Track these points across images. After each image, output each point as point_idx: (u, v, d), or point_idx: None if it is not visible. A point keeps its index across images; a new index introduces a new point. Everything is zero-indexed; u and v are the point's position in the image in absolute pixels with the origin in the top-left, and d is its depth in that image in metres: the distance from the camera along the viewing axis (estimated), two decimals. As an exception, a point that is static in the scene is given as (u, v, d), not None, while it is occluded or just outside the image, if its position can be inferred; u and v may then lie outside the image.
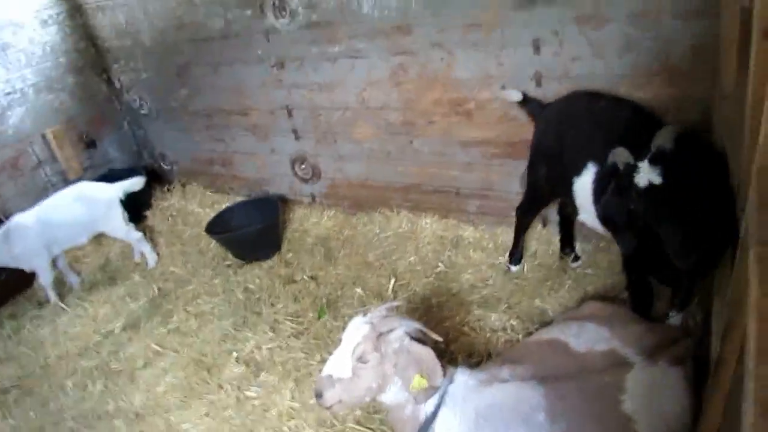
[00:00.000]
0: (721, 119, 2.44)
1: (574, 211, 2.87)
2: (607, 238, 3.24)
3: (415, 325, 2.13)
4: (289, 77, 4.20)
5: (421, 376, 2.02)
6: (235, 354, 3.22)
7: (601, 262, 3.34)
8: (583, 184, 2.64)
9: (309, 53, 3.98)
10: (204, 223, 4.50)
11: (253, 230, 4.07)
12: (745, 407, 0.89)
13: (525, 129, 3.33)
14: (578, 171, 2.65)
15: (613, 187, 2.19)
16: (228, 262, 4.19)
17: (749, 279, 1.09)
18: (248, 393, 2.96)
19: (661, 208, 2.03)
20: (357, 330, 2.08)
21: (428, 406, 2.08)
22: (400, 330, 2.08)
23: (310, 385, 2.91)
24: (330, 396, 2.05)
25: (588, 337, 2.27)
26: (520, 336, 2.89)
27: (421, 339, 2.10)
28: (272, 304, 3.58)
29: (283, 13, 3.87)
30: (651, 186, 2.02)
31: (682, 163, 2.01)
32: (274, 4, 3.86)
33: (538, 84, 3.24)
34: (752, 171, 1.39)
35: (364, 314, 2.16)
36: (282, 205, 4.57)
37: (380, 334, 2.07)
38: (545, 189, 3.08)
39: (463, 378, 2.11)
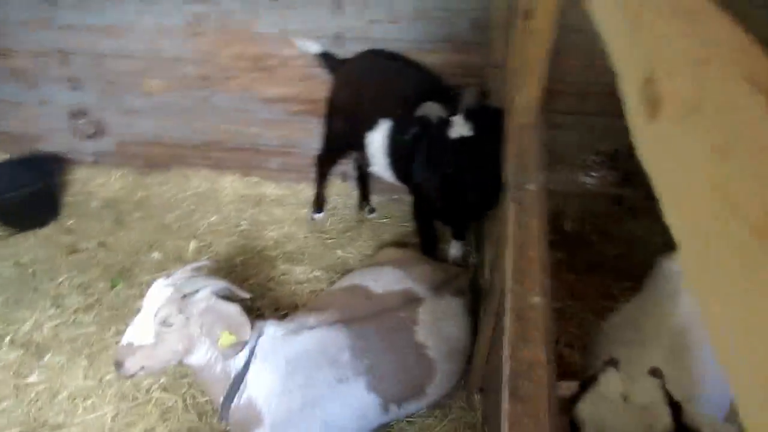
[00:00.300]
0: (494, 86, 2.81)
1: (366, 162, 3.07)
2: (399, 189, 3.56)
3: (222, 284, 2.13)
4: (62, 16, 3.67)
5: (229, 333, 2.04)
6: (8, 337, 2.84)
7: (394, 213, 3.64)
8: (376, 139, 2.85)
9: (88, -10, 3.53)
10: (-46, 189, 3.78)
11: (21, 194, 3.55)
12: (505, 320, 1.10)
13: (327, 87, 3.41)
14: (371, 126, 2.85)
15: (424, 154, 2.43)
16: (-10, 233, 3.62)
17: (506, 217, 1.33)
18: (29, 379, 2.65)
19: (470, 157, 2.32)
20: (159, 293, 2.01)
21: (238, 362, 2.12)
22: (206, 290, 2.07)
23: (106, 360, 2.72)
24: (131, 364, 1.98)
25: (386, 280, 2.50)
26: (325, 286, 3.05)
27: (228, 297, 2.11)
28: (52, 278, 3.21)
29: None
30: (462, 138, 2.30)
31: (485, 120, 2.31)
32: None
33: (341, 45, 3.33)
34: (512, 128, 1.66)
35: (167, 277, 2.09)
36: (59, 164, 4.05)
37: (184, 296, 2.04)
38: (341, 140, 3.23)
39: (271, 330, 2.18)
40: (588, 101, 3.15)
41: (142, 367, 2.00)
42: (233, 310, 2.06)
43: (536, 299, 1.02)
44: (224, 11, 3.40)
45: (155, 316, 1.99)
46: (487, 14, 3.02)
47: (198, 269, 2.20)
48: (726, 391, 1.72)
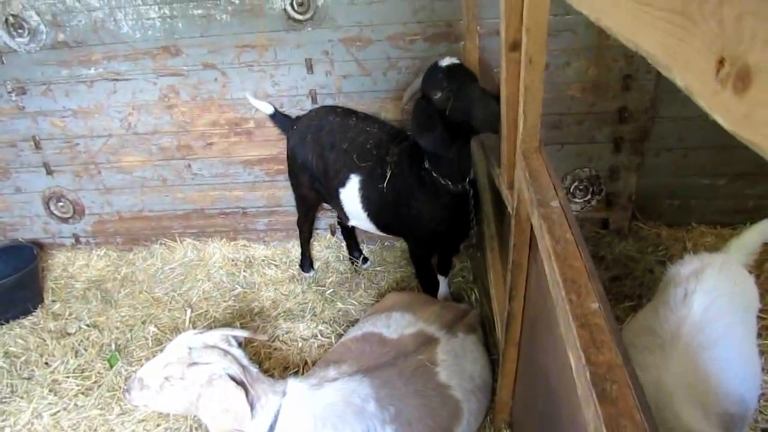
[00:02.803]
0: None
1: (345, 217, 3.11)
2: (389, 237, 3.60)
3: (236, 368, 2.05)
4: (32, 103, 3.67)
5: (226, 415, 1.98)
6: (8, 430, 2.69)
7: (387, 259, 3.66)
8: (349, 193, 2.90)
9: (58, 76, 3.55)
10: (-70, 286, 3.63)
11: (6, 283, 3.43)
12: (566, 333, 1.11)
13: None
14: (342, 183, 2.90)
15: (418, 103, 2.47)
16: (-27, 327, 3.46)
17: (539, 235, 1.37)
18: (33, 471, 2.51)
19: (462, 78, 2.38)
20: (178, 348, 2.00)
21: (262, 428, 2.04)
22: (216, 366, 2.02)
23: (114, 441, 2.59)
24: (136, 397, 2.04)
25: (397, 324, 2.49)
26: (332, 339, 3.00)
27: (237, 379, 2.04)
28: (47, 364, 3.07)
29: (21, 31, 3.38)
30: (452, 63, 2.38)
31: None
32: (7, 20, 3.35)
33: (314, 101, 3.43)
34: (518, 154, 1.73)
35: (199, 332, 2.06)
36: (38, 251, 3.94)
37: (193, 364, 2.00)
38: (311, 195, 3.29)
39: (295, 387, 2.13)
40: (562, 131, 3.29)
41: (146, 405, 2.05)
42: (237, 397, 1.98)
43: (594, 305, 1.04)
44: (196, 81, 3.46)
45: (163, 368, 1.97)
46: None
47: (228, 338, 2.14)
48: (747, 385, 1.77)
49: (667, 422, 1.49)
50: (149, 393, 2.02)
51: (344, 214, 3.04)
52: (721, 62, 0.58)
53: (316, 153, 3.01)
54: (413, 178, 2.64)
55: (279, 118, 3.31)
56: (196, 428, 2.60)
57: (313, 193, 3.23)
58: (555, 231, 1.27)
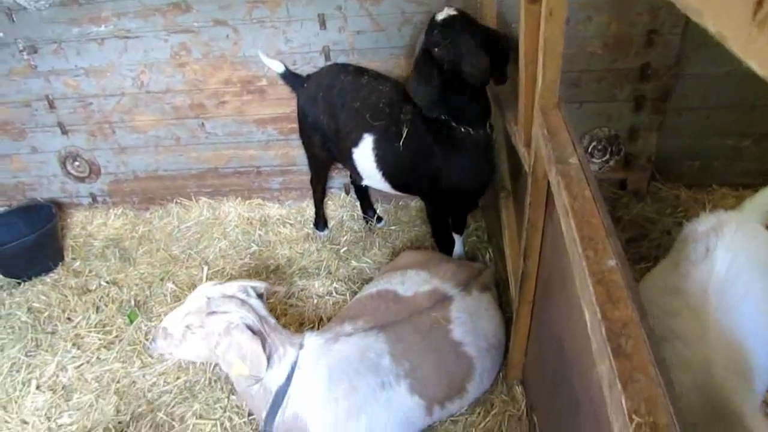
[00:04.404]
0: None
1: (358, 177, 3.09)
2: (404, 195, 3.58)
3: (253, 317, 2.08)
4: (45, 62, 3.66)
5: (242, 364, 2.02)
6: (34, 382, 2.78)
7: (402, 218, 3.66)
8: (362, 153, 2.87)
9: (68, 34, 3.52)
10: (-46, 245, 3.72)
11: (26, 242, 3.49)
12: (582, 290, 1.11)
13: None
14: (355, 142, 2.87)
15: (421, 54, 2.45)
16: (-2, 284, 3.56)
17: (556, 192, 1.35)
18: (62, 421, 2.60)
19: (456, 30, 2.35)
20: (197, 298, 2.06)
21: (280, 377, 2.10)
22: (233, 315, 2.05)
23: (136, 393, 2.68)
24: (162, 346, 2.10)
25: (411, 282, 2.51)
26: (347, 296, 3.04)
27: (254, 329, 2.08)
28: (69, 319, 3.16)
29: (30, -13, 3.34)
30: (448, 16, 2.36)
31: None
32: (16, -24, 3.31)
33: (327, 58, 3.37)
34: (536, 111, 1.69)
35: (218, 283, 2.11)
36: (57, 210, 4.00)
37: (212, 312, 2.03)
38: (323, 155, 3.26)
39: (312, 341, 2.17)
40: (581, 89, 3.21)
41: (171, 353, 2.11)
42: (249, 344, 2.02)
43: (612, 262, 1.03)
44: (208, 38, 3.41)
45: (184, 318, 2.02)
46: (471, 11, 3.08)
47: (246, 289, 2.17)
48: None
49: (709, 393, 1.47)
50: (173, 341, 2.08)
51: (358, 173, 3.03)
52: (759, 2, 0.55)
53: (327, 112, 2.97)
54: (431, 134, 2.60)
55: (289, 76, 3.26)
56: (215, 380, 2.67)
57: (324, 152, 3.20)
58: (573, 188, 1.25)
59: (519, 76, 1.95)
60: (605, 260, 1.04)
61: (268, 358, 2.06)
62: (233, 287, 2.13)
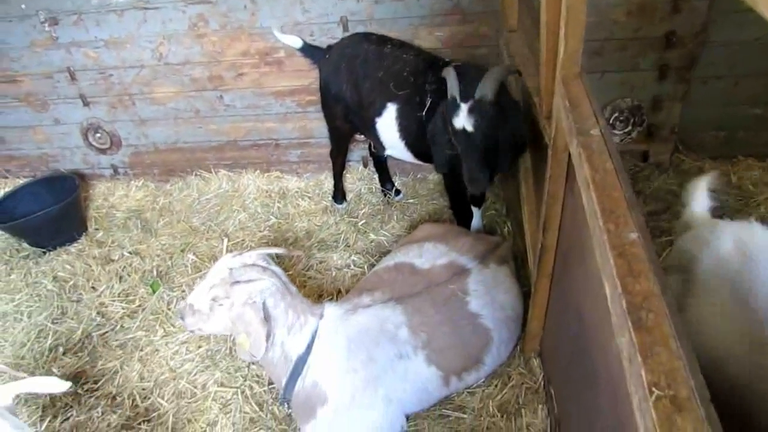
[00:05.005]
0: (510, 47, 2.80)
1: (381, 147, 3.07)
2: (421, 168, 3.56)
3: (274, 282, 2.10)
4: (65, 34, 3.67)
5: (246, 338, 2.04)
6: (60, 349, 2.87)
7: (420, 191, 3.65)
8: (386, 122, 2.84)
9: (88, 5, 3.52)
10: (-20, 215, 3.82)
11: (51, 212, 3.56)
12: (602, 263, 1.10)
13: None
14: (378, 112, 2.84)
15: (440, 114, 2.42)
16: (24, 253, 3.64)
17: (578, 164, 1.33)
18: (87, 386, 2.69)
19: (466, 148, 2.34)
20: (220, 270, 2.06)
21: (300, 345, 2.13)
22: (257, 285, 2.05)
23: (159, 361, 2.75)
24: (190, 322, 2.12)
25: (429, 255, 2.51)
26: (365, 269, 3.06)
27: (271, 304, 2.09)
28: (93, 288, 3.23)
29: (49, -42, 3.34)
30: (464, 130, 2.30)
31: (491, 117, 2.27)
32: (34, -54, 3.30)
33: (345, 28, 3.33)
34: (557, 81, 1.66)
35: (237, 254, 2.11)
36: (79, 181, 4.06)
37: (235, 282, 2.05)
38: (345, 127, 3.23)
39: (331, 311, 2.20)
40: (604, 58, 3.14)
41: (200, 329, 2.13)
42: (259, 329, 2.02)
43: (633, 235, 1.02)
44: (225, 9, 3.38)
45: (209, 290, 2.04)
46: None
47: (265, 256, 2.19)
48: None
49: None
50: (201, 317, 2.09)
51: (380, 144, 3.00)
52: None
53: (350, 83, 2.94)
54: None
55: (308, 50, 3.21)
56: (235, 350, 2.72)
57: (347, 124, 3.18)
58: (594, 160, 1.23)
59: (540, 46, 1.91)
60: (626, 233, 1.03)
61: (289, 329, 2.09)
62: (252, 256, 2.14)
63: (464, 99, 2.27)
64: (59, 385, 1.95)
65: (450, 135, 2.40)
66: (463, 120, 2.28)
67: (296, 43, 3.18)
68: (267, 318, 2.06)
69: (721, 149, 3.35)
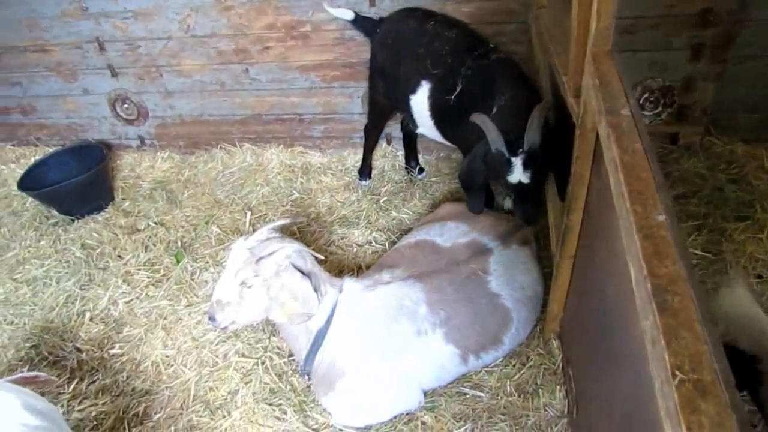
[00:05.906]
0: (540, 24, 2.74)
1: (414, 124, 3.05)
2: (445, 147, 3.53)
3: (295, 246, 2.13)
4: (95, 5, 3.69)
5: (294, 302, 2.05)
6: (88, 314, 2.95)
7: (443, 170, 3.63)
8: (419, 100, 2.81)
9: (116, -25, 3.54)
10: (11, 182, 3.93)
11: (80, 180, 3.63)
12: (628, 245, 1.08)
13: (363, 49, 3.40)
14: (413, 89, 2.81)
15: (476, 157, 2.37)
16: (53, 221, 3.72)
17: (606, 145, 1.30)
18: (113, 351, 2.76)
19: (523, 196, 2.34)
20: (239, 255, 2.05)
21: (320, 319, 2.15)
22: (281, 253, 2.07)
23: (182, 330, 2.80)
24: (222, 318, 2.07)
25: (450, 233, 2.51)
26: (386, 246, 3.07)
27: (300, 267, 2.10)
28: (120, 256, 3.30)
29: (78, -73, 3.34)
30: (520, 183, 2.26)
31: (543, 162, 2.23)
32: None
33: (372, 3, 3.29)
34: (587, 59, 1.62)
35: (246, 238, 2.12)
36: (107, 151, 4.13)
37: (260, 259, 2.06)
38: (385, 104, 3.21)
39: (351, 286, 2.21)
40: (634, 36, 3.05)
41: (233, 321, 2.09)
42: (303, 284, 2.05)
43: (661, 217, 1.00)
44: (253, -19, 3.37)
45: (235, 276, 2.03)
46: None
47: (275, 229, 2.20)
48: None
49: None
50: (232, 308, 2.05)
51: (413, 121, 2.98)
52: None
53: (392, 58, 2.93)
54: (482, 100, 2.50)
55: (361, 21, 3.18)
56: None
57: (386, 100, 3.15)
58: (623, 141, 1.21)
59: (570, 23, 1.86)
60: (654, 215, 1.01)
61: (316, 290, 2.09)
62: (264, 232, 2.15)
63: (513, 152, 2.20)
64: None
65: (501, 186, 2.43)
66: (518, 175, 2.24)
67: (348, 15, 3.17)
68: (305, 273, 2.08)
69: (754, 132, 3.25)
